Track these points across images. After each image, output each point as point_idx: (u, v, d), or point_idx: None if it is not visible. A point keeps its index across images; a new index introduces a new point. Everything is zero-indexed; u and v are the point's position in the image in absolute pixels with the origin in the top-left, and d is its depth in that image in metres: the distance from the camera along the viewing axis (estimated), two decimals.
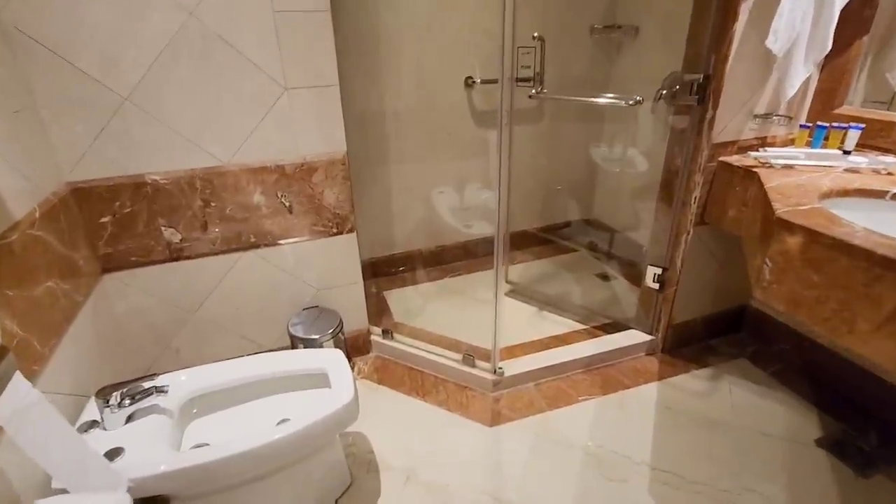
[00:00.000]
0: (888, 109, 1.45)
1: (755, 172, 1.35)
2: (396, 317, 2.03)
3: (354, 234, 1.61)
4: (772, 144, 1.53)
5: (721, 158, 1.47)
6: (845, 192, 1.21)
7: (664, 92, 1.91)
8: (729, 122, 1.44)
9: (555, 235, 2.67)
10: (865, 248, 0.90)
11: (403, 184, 2.22)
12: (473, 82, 2.12)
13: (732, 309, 1.85)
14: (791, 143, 1.56)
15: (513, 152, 1.97)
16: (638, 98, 1.64)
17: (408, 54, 2.00)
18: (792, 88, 1.33)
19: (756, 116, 1.46)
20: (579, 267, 2.43)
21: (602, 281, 2.30)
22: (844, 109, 1.45)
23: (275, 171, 1.42)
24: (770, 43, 1.26)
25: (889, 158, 1.29)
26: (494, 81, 1.42)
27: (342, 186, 1.52)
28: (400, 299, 2.17)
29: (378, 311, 2.05)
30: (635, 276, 2.29)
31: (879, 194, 1.19)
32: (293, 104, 1.37)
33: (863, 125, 1.34)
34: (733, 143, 1.48)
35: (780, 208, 1.09)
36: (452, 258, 2.44)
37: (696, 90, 1.41)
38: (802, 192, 1.18)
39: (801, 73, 1.32)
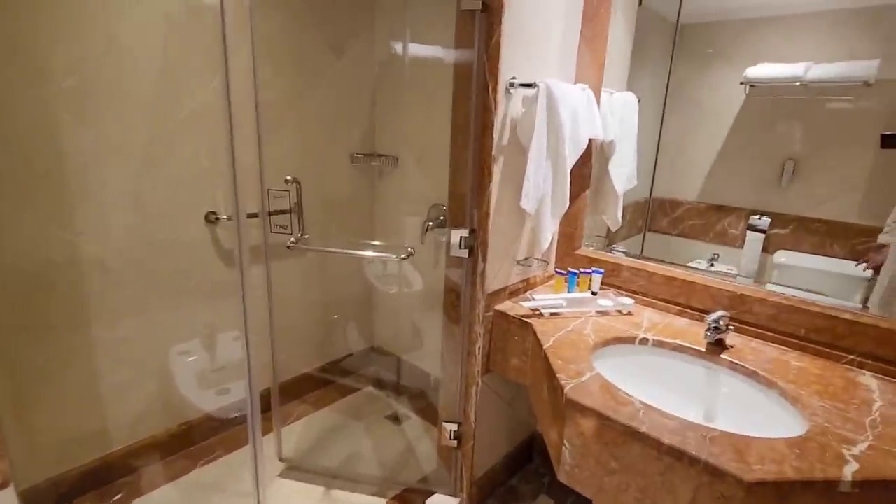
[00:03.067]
0: (607, 241, 1.69)
1: (529, 323, 1.35)
2: None
3: (10, 488, 0.98)
4: (534, 285, 1.60)
5: (496, 307, 1.44)
6: (606, 342, 1.27)
7: (430, 224, 1.92)
8: (498, 270, 1.43)
9: (338, 372, 2.35)
10: (653, 436, 0.88)
11: (120, 352, 1.61)
12: (217, 218, 1.74)
13: (523, 441, 1.82)
14: (549, 279, 1.67)
15: (275, 292, 1.64)
16: (410, 250, 1.54)
17: (118, 185, 1.51)
18: (546, 241, 1.40)
19: (518, 263, 1.51)
20: (367, 410, 2.15)
21: (394, 425, 2.06)
22: (582, 251, 1.62)
23: None
24: (524, 203, 1.30)
25: (624, 299, 1.44)
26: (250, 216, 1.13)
27: None
28: None
29: None
30: (427, 412, 2.14)
31: (630, 340, 1.29)
32: None
33: (602, 270, 1.49)
34: (504, 289, 1.48)
35: (566, 381, 1.05)
36: (204, 436, 1.86)
37: (465, 244, 1.36)
38: (576, 351, 1.19)
39: (550, 227, 1.41)
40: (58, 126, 1.38)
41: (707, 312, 1.30)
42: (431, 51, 2.01)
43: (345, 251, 1.54)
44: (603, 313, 1.42)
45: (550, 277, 1.67)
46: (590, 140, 1.44)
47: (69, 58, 1.37)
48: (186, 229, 1.70)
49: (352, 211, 2.26)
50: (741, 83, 1.34)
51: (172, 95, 1.58)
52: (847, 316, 1.15)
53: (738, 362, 1.17)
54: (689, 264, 1.47)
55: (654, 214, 1.66)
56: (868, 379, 1.11)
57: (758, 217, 1.34)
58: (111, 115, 1.47)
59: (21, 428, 1.46)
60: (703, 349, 1.22)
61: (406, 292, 2.29)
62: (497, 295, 1.45)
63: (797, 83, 1.25)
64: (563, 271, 1.49)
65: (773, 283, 1.33)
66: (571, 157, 1.37)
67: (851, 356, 1.16)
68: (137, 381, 1.67)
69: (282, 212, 1.48)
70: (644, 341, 1.28)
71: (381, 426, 2.04)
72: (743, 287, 1.32)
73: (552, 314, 1.39)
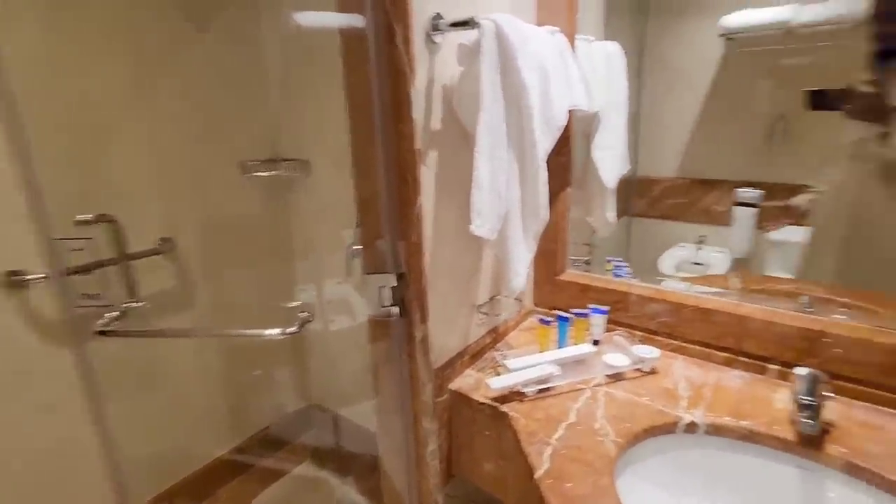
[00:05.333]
0: (590, 251, 1.23)
1: (505, 414, 0.84)
2: None
3: None
4: (505, 333, 1.10)
5: (453, 386, 0.93)
6: (634, 439, 0.77)
7: (355, 249, 1.40)
8: (449, 331, 0.92)
9: (264, 448, 1.80)
10: None
11: None
12: (25, 279, 1.14)
13: None
14: (525, 317, 1.16)
15: (154, 367, 1.09)
16: (305, 315, 0.99)
17: None
18: (520, 278, 0.89)
19: (479, 310, 1.00)
20: (302, 501, 1.61)
21: None
22: (570, 275, 1.12)
23: None
24: (477, 228, 0.78)
25: (643, 348, 0.96)
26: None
27: None
28: None
29: None
30: (376, 490, 1.62)
31: (669, 427, 0.80)
32: None
33: (606, 308, 1.00)
34: (461, 353, 0.97)
35: None
36: None
37: (393, 299, 0.83)
38: (591, 475, 0.69)
39: (524, 255, 0.90)
40: None
41: (768, 360, 0.84)
42: (343, 18, 1.46)
43: (184, 334, 0.98)
44: (616, 377, 0.92)
45: (528, 315, 1.17)
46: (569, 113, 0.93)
47: None
48: None
49: (256, 237, 1.69)
50: (720, 35, 1.03)
51: None
52: None
53: (859, 462, 0.70)
54: (674, 248, 1.15)
55: (628, 197, 1.29)
56: None
57: (747, 189, 1.05)
58: None
59: None
60: (793, 437, 0.75)
61: (337, 330, 1.75)
62: (451, 366, 0.94)
63: (783, 29, 0.95)
64: (547, 317, 0.98)
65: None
66: (544, 140, 0.86)
67: None
68: None
69: (84, 270, 0.90)
70: (692, 427, 0.80)
71: None
72: (829, 321, 0.85)
73: (540, 391, 0.89)
